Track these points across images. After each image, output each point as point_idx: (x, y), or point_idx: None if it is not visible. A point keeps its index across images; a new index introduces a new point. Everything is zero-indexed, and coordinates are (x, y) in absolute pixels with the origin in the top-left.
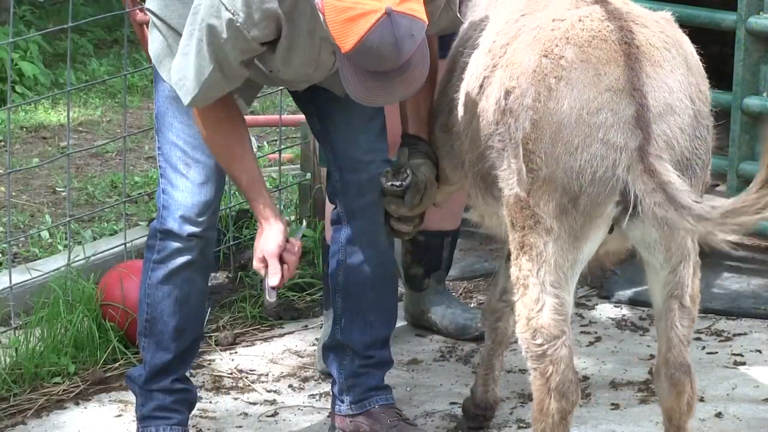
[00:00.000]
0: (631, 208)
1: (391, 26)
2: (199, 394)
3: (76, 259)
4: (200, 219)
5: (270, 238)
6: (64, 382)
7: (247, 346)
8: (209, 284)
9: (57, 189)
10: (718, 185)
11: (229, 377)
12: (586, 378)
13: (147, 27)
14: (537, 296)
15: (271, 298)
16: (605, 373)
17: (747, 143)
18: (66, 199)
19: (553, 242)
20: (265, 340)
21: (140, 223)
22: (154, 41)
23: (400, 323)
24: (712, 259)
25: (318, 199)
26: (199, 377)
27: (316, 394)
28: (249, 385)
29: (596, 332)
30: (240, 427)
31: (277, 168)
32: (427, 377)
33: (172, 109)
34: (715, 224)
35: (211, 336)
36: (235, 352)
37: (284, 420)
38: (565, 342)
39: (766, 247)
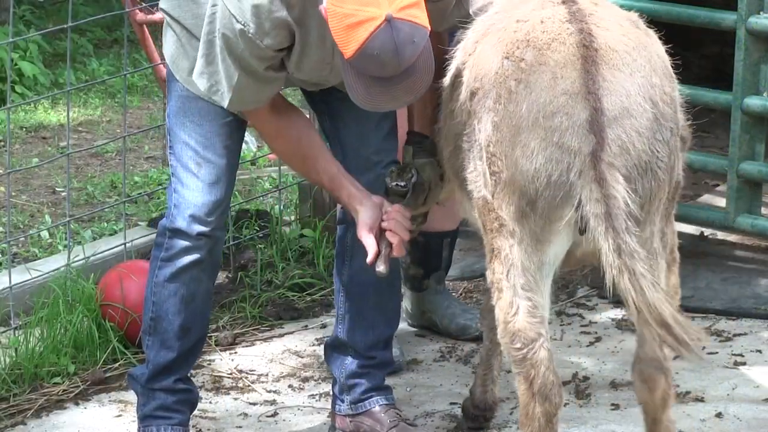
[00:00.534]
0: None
1: (392, 33)
2: (199, 397)
3: (75, 259)
4: (209, 218)
5: (359, 223)
6: (63, 382)
7: (247, 346)
8: None
9: (57, 189)
10: (718, 185)
11: (229, 377)
12: (586, 378)
13: (147, 27)
14: (511, 300)
15: (378, 269)
16: (605, 373)
17: (747, 143)
18: (66, 199)
19: (518, 245)
20: (265, 340)
21: (140, 223)
22: (168, 41)
23: (401, 323)
24: (712, 259)
25: (318, 199)
26: (199, 377)
27: (316, 394)
28: (249, 385)
29: (596, 332)
30: (240, 427)
31: (277, 168)
32: (427, 377)
33: (184, 108)
34: (619, 266)
35: (211, 336)
36: (235, 352)
37: (284, 420)
38: (543, 344)
39: (766, 247)
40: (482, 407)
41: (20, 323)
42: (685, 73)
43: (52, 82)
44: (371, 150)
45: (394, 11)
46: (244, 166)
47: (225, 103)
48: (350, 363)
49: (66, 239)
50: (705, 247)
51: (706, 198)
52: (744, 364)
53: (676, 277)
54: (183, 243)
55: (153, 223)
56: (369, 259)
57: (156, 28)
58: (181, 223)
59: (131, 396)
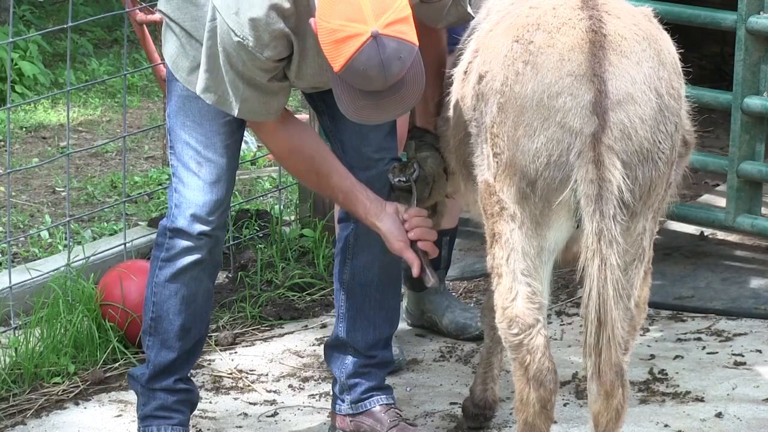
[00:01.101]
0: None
1: (378, 49)
2: (198, 397)
3: (75, 259)
4: (210, 218)
5: (386, 236)
6: (63, 382)
7: (247, 346)
8: None
9: (57, 189)
10: (718, 185)
11: (229, 377)
12: (586, 378)
13: (147, 27)
14: (510, 285)
15: (427, 283)
16: None
17: (747, 143)
18: (66, 199)
19: (518, 229)
20: (265, 340)
21: (140, 223)
22: (168, 42)
23: (401, 323)
24: (712, 259)
25: (318, 199)
26: (199, 377)
27: (316, 394)
28: (249, 385)
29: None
30: (240, 427)
31: (277, 168)
32: (427, 377)
33: (185, 108)
34: (594, 251)
35: (211, 336)
36: (235, 352)
37: (284, 420)
38: (540, 331)
39: (766, 247)
40: (482, 406)
41: (20, 323)
42: (685, 73)
43: (52, 82)
44: (372, 148)
45: (380, 27)
46: (244, 166)
47: (235, 112)
48: (351, 362)
49: (66, 239)
50: (705, 247)
51: (706, 198)
52: (744, 364)
53: (648, 290)
54: (184, 243)
55: (153, 223)
56: (415, 272)
57: (156, 28)
58: (183, 222)
59: (131, 396)
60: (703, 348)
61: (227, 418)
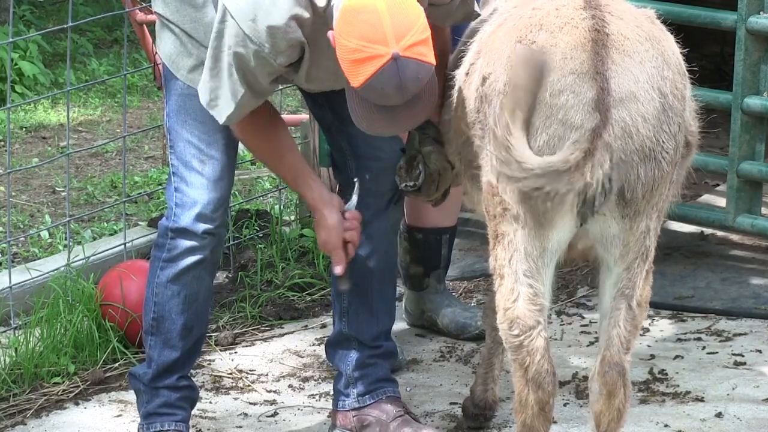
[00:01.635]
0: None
1: (397, 71)
2: (199, 394)
3: (75, 259)
4: (214, 215)
5: (328, 229)
6: (63, 382)
7: (247, 346)
8: None
9: (57, 189)
10: (718, 185)
11: (229, 377)
12: (586, 378)
13: (147, 27)
14: (512, 286)
15: (342, 286)
16: None
17: (747, 143)
18: (66, 199)
19: (521, 230)
20: (265, 340)
21: (140, 223)
22: (166, 41)
23: (401, 323)
24: (712, 259)
25: None
26: (199, 377)
27: (316, 394)
28: (249, 385)
29: (596, 332)
30: (240, 427)
31: None
32: (427, 377)
33: (185, 106)
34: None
35: (211, 336)
36: (235, 352)
37: (284, 420)
38: (540, 333)
39: (766, 247)
40: (482, 406)
41: (20, 323)
42: (690, 73)
43: (52, 82)
44: (379, 139)
45: (401, 50)
46: (244, 166)
47: (222, 119)
48: (356, 355)
49: (66, 239)
50: (705, 247)
51: (706, 198)
52: (744, 364)
53: (649, 289)
54: (187, 243)
55: (153, 223)
56: (339, 271)
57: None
58: (187, 221)
59: (131, 396)
60: (703, 348)
61: (227, 418)
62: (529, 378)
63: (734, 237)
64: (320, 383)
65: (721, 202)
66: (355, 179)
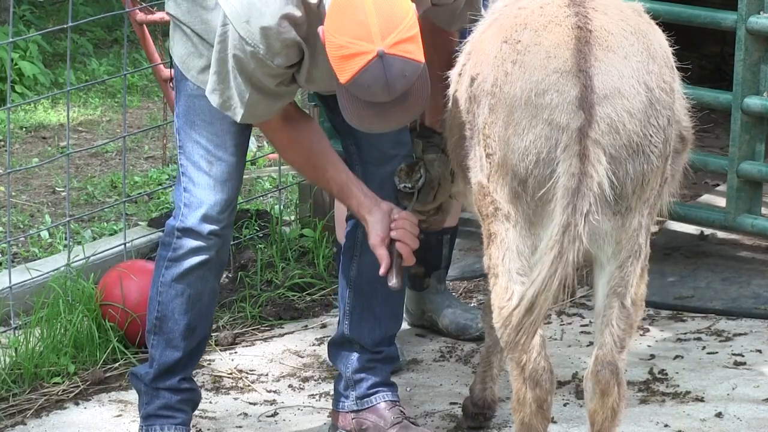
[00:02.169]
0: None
1: (383, 68)
2: (200, 396)
3: (75, 259)
4: (221, 216)
5: (370, 232)
6: (63, 382)
7: (247, 346)
8: None
9: (57, 189)
10: (718, 185)
11: (229, 377)
12: None
13: (147, 27)
14: (506, 285)
15: (390, 283)
16: None
17: (747, 143)
18: (66, 199)
19: (513, 229)
20: (265, 340)
21: (140, 223)
22: (178, 42)
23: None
24: (712, 259)
25: (318, 199)
26: (199, 377)
27: (316, 394)
28: (249, 385)
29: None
30: (240, 427)
31: (277, 168)
32: (427, 377)
33: (194, 107)
34: (554, 242)
35: (211, 336)
36: (235, 352)
37: (284, 420)
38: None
39: (766, 247)
40: (481, 405)
41: (20, 323)
42: (685, 72)
43: (52, 82)
44: (388, 144)
45: (386, 47)
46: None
47: (238, 118)
48: (357, 358)
49: (66, 239)
50: (705, 247)
51: (706, 198)
52: (744, 364)
53: (645, 288)
54: (193, 243)
55: (153, 223)
56: (382, 271)
57: (156, 28)
58: (193, 221)
59: (131, 396)
60: (703, 348)
61: (227, 418)
62: (526, 376)
63: (734, 237)
64: (320, 383)
65: (721, 202)
66: (412, 185)
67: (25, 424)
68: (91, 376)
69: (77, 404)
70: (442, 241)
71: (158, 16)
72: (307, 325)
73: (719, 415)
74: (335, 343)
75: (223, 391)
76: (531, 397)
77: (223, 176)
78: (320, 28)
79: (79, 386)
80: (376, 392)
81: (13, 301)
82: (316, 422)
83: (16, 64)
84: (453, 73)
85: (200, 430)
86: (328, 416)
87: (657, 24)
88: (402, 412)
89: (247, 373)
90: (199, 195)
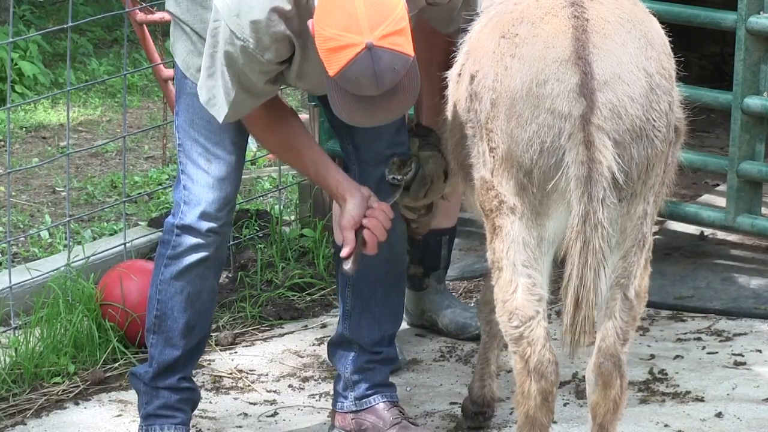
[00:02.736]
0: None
1: (371, 60)
2: (200, 396)
3: (75, 259)
4: (219, 214)
5: (345, 214)
6: (63, 382)
7: (247, 346)
8: None
9: (57, 189)
10: (718, 185)
11: (229, 377)
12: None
13: (147, 27)
14: (510, 278)
15: (345, 266)
16: None
17: (747, 143)
18: (66, 199)
19: (518, 221)
20: (265, 340)
21: (140, 223)
22: (178, 41)
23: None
24: (712, 259)
25: (318, 199)
26: (199, 377)
27: (316, 394)
28: (249, 385)
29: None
30: (240, 427)
31: (277, 168)
32: (427, 377)
33: (194, 106)
34: (578, 233)
35: (211, 336)
36: (235, 352)
37: (284, 420)
38: (540, 322)
39: (766, 247)
40: (480, 403)
41: (20, 323)
42: (685, 72)
43: (52, 82)
44: (384, 144)
45: (375, 39)
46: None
47: (220, 118)
48: (355, 358)
49: (66, 239)
50: (705, 247)
51: (706, 198)
52: (744, 364)
53: (648, 279)
54: (192, 240)
55: (153, 223)
56: (343, 253)
57: (156, 28)
58: (191, 219)
59: (131, 396)
60: (703, 348)
61: (227, 418)
62: (531, 368)
63: (734, 237)
64: (320, 383)
65: (721, 202)
66: (401, 177)
67: (25, 424)
68: (91, 376)
69: (77, 404)
70: (441, 242)
71: (158, 16)
72: (307, 325)
73: (719, 415)
74: (335, 343)
75: (223, 391)
76: (536, 389)
77: (222, 174)
78: (310, 21)
79: (79, 386)
80: (375, 393)
81: (13, 301)
82: (316, 422)
83: (16, 64)
84: (452, 73)
85: (200, 430)
86: (328, 416)
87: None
88: (401, 412)
89: (247, 373)
90: (198, 193)
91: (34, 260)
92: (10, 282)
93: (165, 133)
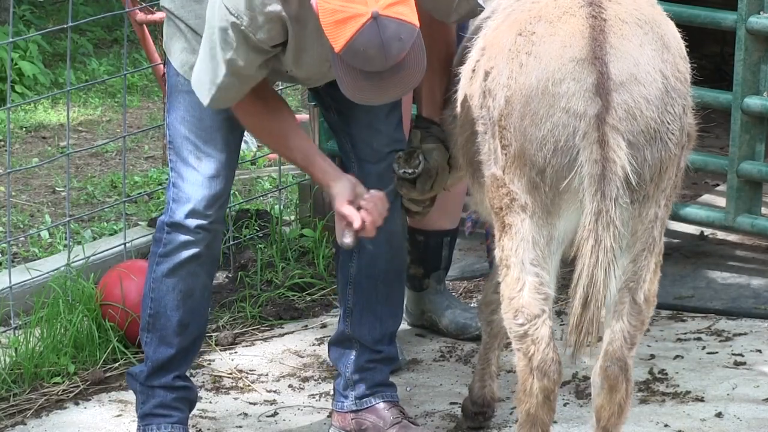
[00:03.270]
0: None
1: (378, 30)
2: (198, 394)
3: (75, 259)
4: (208, 212)
5: (337, 198)
6: (63, 382)
7: (247, 346)
8: None
9: (57, 189)
10: (718, 185)
11: (229, 377)
12: (586, 378)
13: (147, 27)
14: (518, 275)
15: (346, 240)
16: None
17: (747, 143)
18: (66, 199)
19: (529, 219)
20: (265, 340)
21: (140, 223)
22: (172, 37)
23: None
24: (712, 259)
25: (318, 199)
26: (199, 377)
27: (316, 394)
28: (249, 385)
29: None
30: (240, 427)
31: (277, 168)
32: (427, 377)
33: (184, 103)
34: (590, 231)
35: (211, 336)
36: (235, 352)
37: (284, 420)
38: (545, 321)
39: (766, 247)
40: (480, 403)
41: (20, 323)
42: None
43: (52, 82)
44: (383, 141)
45: (380, 8)
46: (243, 166)
47: (206, 101)
48: (356, 358)
49: (66, 239)
50: (705, 247)
51: (706, 198)
52: (744, 364)
53: (657, 284)
54: (181, 237)
55: (153, 223)
56: (357, 224)
57: (156, 28)
58: (180, 216)
59: (131, 396)
60: (703, 348)
61: (227, 418)
62: (534, 366)
63: (734, 237)
64: (320, 383)
65: (721, 202)
66: (413, 170)
67: (25, 424)
68: (91, 376)
69: (77, 404)
70: (441, 243)
71: (158, 16)
72: (307, 325)
73: (719, 415)
74: (335, 341)
75: (223, 391)
76: (538, 387)
77: (212, 172)
78: (313, 1)
79: (79, 386)
80: (375, 392)
81: (13, 301)
82: (316, 422)
83: (16, 64)
84: (466, 69)
85: (200, 430)
86: (328, 416)
87: None
88: (401, 412)
89: (247, 373)
90: (187, 190)
91: (34, 260)
92: (10, 282)
93: (165, 132)
